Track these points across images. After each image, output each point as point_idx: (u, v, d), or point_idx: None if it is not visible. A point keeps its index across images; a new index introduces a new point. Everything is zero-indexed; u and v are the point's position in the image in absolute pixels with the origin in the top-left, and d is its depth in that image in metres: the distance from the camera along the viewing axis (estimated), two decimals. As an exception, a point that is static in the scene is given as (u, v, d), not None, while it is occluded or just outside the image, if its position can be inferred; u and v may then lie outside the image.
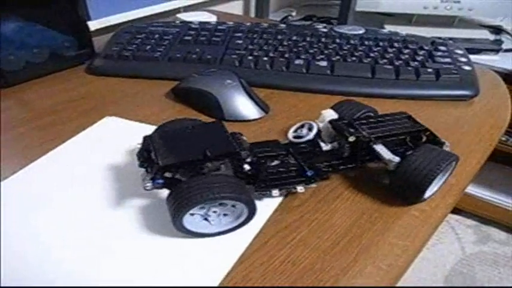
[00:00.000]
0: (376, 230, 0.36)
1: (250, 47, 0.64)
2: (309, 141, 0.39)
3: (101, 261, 0.32)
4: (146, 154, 0.35)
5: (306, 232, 0.36)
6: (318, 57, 0.61)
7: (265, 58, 0.61)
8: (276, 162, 0.38)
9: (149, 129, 0.40)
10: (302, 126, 0.42)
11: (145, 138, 0.36)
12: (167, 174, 0.34)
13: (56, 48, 0.62)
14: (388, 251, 0.34)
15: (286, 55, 0.62)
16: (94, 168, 0.42)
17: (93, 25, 0.75)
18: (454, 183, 0.42)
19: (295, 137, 0.40)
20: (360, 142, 0.37)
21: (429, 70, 0.58)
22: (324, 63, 0.60)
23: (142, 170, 0.35)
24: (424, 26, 1.17)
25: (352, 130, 0.38)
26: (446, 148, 0.38)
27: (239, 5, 1.20)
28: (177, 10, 0.90)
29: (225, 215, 0.34)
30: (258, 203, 0.37)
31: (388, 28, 1.14)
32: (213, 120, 0.39)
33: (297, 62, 0.60)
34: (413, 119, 0.40)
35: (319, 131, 0.40)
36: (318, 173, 0.37)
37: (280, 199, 0.38)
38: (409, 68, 0.59)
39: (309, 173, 0.37)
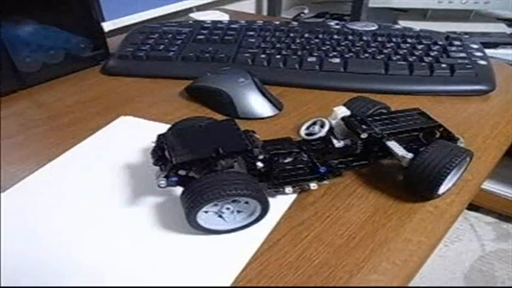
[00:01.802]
0: (390, 226, 0.36)
1: (263, 45, 0.64)
2: (321, 138, 0.39)
3: (116, 259, 0.33)
4: (160, 152, 0.36)
5: (320, 228, 0.36)
6: (331, 55, 0.61)
7: (278, 56, 0.61)
8: (288, 160, 0.38)
9: (163, 128, 0.40)
10: (314, 123, 0.42)
11: (159, 136, 0.37)
12: (181, 172, 0.34)
13: (71, 49, 0.63)
14: (403, 247, 0.34)
15: (299, 53, 0.62)
16: (110, 167, 0.43)
17: (107, 26, 0.75)
18: (470, 179, 0.41)
19: (307, 134, 0.40)
20: (372, 139, 0.37)
21: (443, 65, 0.58)
22: (336, 60, 0.60)
23: (157, 168, 0.36)
24: (439, 21, 1.16)
25: (364, 127, 0.38)
26: (461, 144, 0.38)
27: (251, 4, 1.21)
28: (190, 10, 0.90)
29: (238, 212, 0.34)
30: (272, 200, 0.37)
31: (402, 24, 1.13)
32: (226, 118, 0.40)
33: (310, 59, 0.60)
34: (427, 115, 0.40)
35: (331, 128, 0.40)
36: (330, 169, 0.37)
37: (294, 196, 0.39)
38: (423, 64, 0.58)
39: (322, 170, 0.37)
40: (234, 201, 0.33)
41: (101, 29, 0.66)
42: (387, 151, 0.38)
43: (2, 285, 0.30)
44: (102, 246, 0.34)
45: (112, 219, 0.36)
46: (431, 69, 0.58)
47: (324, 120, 0.40)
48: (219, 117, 0.51)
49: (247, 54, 0.62)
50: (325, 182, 0.38)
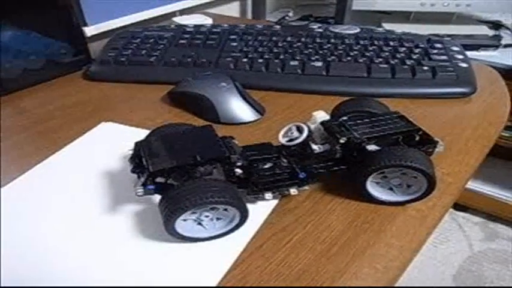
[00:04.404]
0: (372, 230, 0.36)
1: (245, 49, 0.64)
2: (300, 143, 0.39)
3: (96, 267, 0.32)
4: (138, 160, 0.35)
5: (301, 234, 0.35)
6: (313, 58, 0.61)
7: (260, 60, 0.61)
8: (268, 165, 0.38)
9: (145, 134, 0.40)
10: (293, 128, 0.41)
11: (137, 143, 0.36)
12: (159, 180, 0.33)
13: (52, 55, 0.62)
14: (385, 252, 0.34)
15: (281, 56, 0.62)
16: (90, 175, 0.42)
17: (89, 31, 0.74)
18: (452, 182, 0.41)
19: (286, 140, 0.39)
20: (352, 143, 0.37)
21: (425, 68, 0.58)
22: (319, 64, 0.60)
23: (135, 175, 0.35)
24: (422, 23, 1.17)
25: (344, 131, 0.38)
26: (440, 147, 0.38)
27: (236, 7, 1.20)
28: (173, 14, 0.90)
29: (218, 219, 0.34)
30: (253, 206, 0.37)
31: (386, 26, 1.14)
32: (205, 124, 0.39)
33: (292, 63, 0.60)
34: (407, 118, 0.40)
35: (310, 133, 0.39)
36: (310, 175, 0.37)
37: (275, 202, 0.38)
38: (405, 67, 0.59)
39: (302, 175, 0.37)
40: (212, 208, 0.33)
41: (82, 34, 0.66)
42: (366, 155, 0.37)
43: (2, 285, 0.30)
44: (82, 255, 0.33)
45: (91, 227, 0.36)
46: (413, 72, 0.58)
47: (302, 125, 0.40)
48: (201, 122, 0.51)
49: (229, 59, 0.62)
50: (306, 187, 0.38)
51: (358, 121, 0.39)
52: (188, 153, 0.34)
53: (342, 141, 0.37)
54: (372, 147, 0.37)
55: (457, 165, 0.44)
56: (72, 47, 0.64)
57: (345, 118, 0.40)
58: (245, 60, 0.61)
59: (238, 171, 0.35)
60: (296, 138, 0.39)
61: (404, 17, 1.21)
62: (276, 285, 0.31)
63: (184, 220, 0.32)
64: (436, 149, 0.38)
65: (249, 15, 1.25)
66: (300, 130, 0.39)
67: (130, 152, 0.36)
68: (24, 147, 0.47)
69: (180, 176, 0.34)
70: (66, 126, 0.51)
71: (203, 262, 0.33)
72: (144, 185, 0.33)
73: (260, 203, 0.38)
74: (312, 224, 0.36)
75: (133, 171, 0.35)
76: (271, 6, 1.32)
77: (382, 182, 0.37)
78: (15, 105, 0.57)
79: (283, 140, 0.40)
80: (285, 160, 0.38)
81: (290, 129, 0.40)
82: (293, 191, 0.37)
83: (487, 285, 1.31)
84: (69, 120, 0.52)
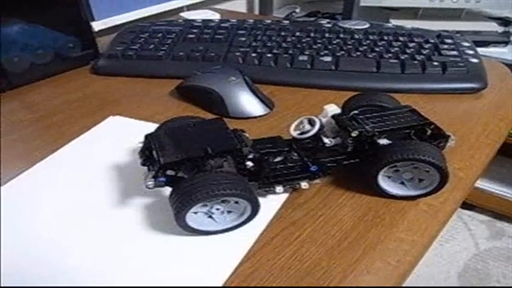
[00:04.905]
0: (383, 225, 0.35)
1: (254, 44, 0.64)
2: (311, 136, 0.39)
3: (106, 261, 0.32)
4: (148, 152, 0.35)
5: (312, 228, 0.35)
6: (322, 53, 0.61)
7: (269, 55, 0.60)
8: (279, 159, 0.37)
9: (153, 127, 0.40)
10: (305, 121, 0.41)
11: (147, 136, 0.36)
12: (170, 172, 0.33)
13: (60, 49, 0.62)
14: (396, 247, 0.34)
15: (290, 51, 0.61)
16: (99, 168, 0.42)
17: (97, 25, 0.75)
18: (463, 177, 0.41)
19: (298, 133, 0.39)
20: (363, 137, 0.37)
21: (435, 63, 0.57)
22: (328, 59, 0.59)
23: (145, 168, 0.35)
24: (430, 20, 1.16)
25: (355, 125, 0.37)
26: (452, 142, 0.38)
27: (242, 3, 1.20)
28: (181, 9, 0.90)
29: (229, 212, 0.34)
30: (263, 199, 0.37)
31: (394, 23, 1.13)
32: (216, 117, 0.39)
33: (301, 58, 0.60)
34: (418, 112, 0.40)
35: (322, 126, 0.39)
36: (321, 168, 0.37)
37: (285, 196, 0.38)
38: (415, 62, 0.58)
39: (313, 169, 0.36)
40: (223, 201, 0.32)
41: (90, 28, 0.65)
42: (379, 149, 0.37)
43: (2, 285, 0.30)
44: (91, 248, 0.33)
45: (101, 221, 0.36)
46: (423, 67, 0.57)
47: (314, 118, 0.39)
48: (210, 116, 0.51)
49: (238, 53, 0.61)
50: (317, 180, 0.37)
51: (369, 115, 0.39)
52: (199, 146, 0.34)
53: (354, 134, 0.36)
54: (383, 141, 0.36)
55: (468, 160, 0.43)
56: (80, 41, 0.64)
57: (356, 112, 0.40)
58: (254, 55, 0.61)
59: (249, 164, 0.35)
60: (308, 131, 0.39)
61: (413, 13, 1.21)
62: (286, 278, 0.31)
63: (195, 213, 0.32)
64: (448, 144, 0.38)
65: (256, 11, 1.24)
66: (311, 123, 0.39)
67: (140, 145, 0.36)
68: (31, 141, 0.47)
69: (190, 169, 0.34)
70: (73, 120, 0.51)
71: (214, 255, 0.33)
72: (154, 177, 0.33)
73: (271, 197, 0.38)
74: (323, 218, 0.36)
75: (143, 164, 0.35)
76: (278, 3, 1.32)
77: (394, 176, 0.37)
78: (23, 99, 0.57)
79: (294, 133, 0.39)
80: (295, 154, 0.38)
81: (302, 122, 0.40)
82: (304, 184, 0.37)
83: (492, 284, 1.31)
84: (77, 115, 0.52)
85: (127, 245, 0.33)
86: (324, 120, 0.40)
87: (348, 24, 0.68)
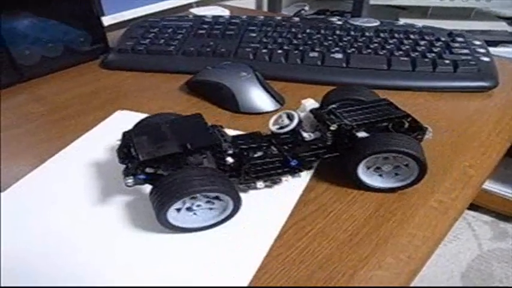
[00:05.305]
0: (395, 220, 0.35)
1: (265, 40, 0.63)
2: (290, 131, 0.39)
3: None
4: (126, 150, 0.35)
5: (323, 223, 0.35)
6: (333, 50, 0.60)
7: (280, 51, 0.60)
8: (259, 154, 0.37)
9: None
10: (284, 115, 0.41)
11: (125, 134, 0.36)
12: (149, 170, 0.33)
13: (71, 43, 0.62)
14: (408, 242, 0.34)
15: (301, 48, 0.61)
16: (104, 165, 0.42)
17: (106, 20, 0.75)
18: (474, 175, 0.41)
19: (277, 127, 0.39)
20: (342, 130, 0.37)
21: (446, 61, 0.57)
22: (339, 56, 0.59)
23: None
24: (440, 19, 1.16)
25: (333, 118, 0.38)
26: (429, 134, 0.38)
27: (251, 1, 1.20)
28: (190, 5, 0.90)
29: (211, 208, 0.33)
30: (280, 195, 0.36)
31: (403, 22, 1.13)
32: (196, 113, 0.38)
33: (312, 54, 0.60)
34: (395, 105, 0.40)
35: (300, 121, 0.39)
36: (302, 163, 0.37)
37: (303, 187, 0.38)
38: (426, 60, 0.58)
39: (293, 163, 0.36)
40: (204, 197, 0.32)
41: (101, 22, 0.66)
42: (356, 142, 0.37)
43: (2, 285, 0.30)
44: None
45: (106, 218, 0.35)
46: (434, 65, 0.57)
47: (293, 112, 0.39)
48: (220, 111, 0.51)
49: (248, 49, 0.61)
50: (297, 175, 0.37)
51: (348, 108, 0.39)
52: (178, 142, 0.33)
53: (332, 128, 0.37)
54: (362, 134, 0.37)
55: (479, 158, 0.43)
56: (90, 35, 0.64)
57: (334, 106, 0.40)
58: (264, 51, 0.61)
59: (229, 160, 0.35)
60: (287, 125, 0.39)
61: (422, 12, 1.20)
62: (298, 272, 0.31)
63: (177, 210, 0.32)
64: (426, 136, 0.38)
65: (265, 9, 1.25)
66: (290, 118, 0.39)
67: (118, 143, 0.36)
68: (41, 133, 0.48)
69: (169, 166, 0.33)
70: (82, 114, 0.51)
71: (239, 251, 0.33)
72: (133, 174, 0.32)
73: (283, 193, 0.38)
74: (334, 213, 0.36)
75: (121, 162, 0.34)
76: (286, 0, 1.32)
77: (373, 169, 0.37)
78: (33, 93, 0.57)
79: (273, 128, 0.39)
80: (275, 149, 0.38)
81: (280, 116, 0.40)
82: (285, 179, 0.37)
83: (495, 284, 1.30)
84: (86, 108, 0.53)
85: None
86: (302, 114, 0.40)
87: (358, 22, 0.68)
